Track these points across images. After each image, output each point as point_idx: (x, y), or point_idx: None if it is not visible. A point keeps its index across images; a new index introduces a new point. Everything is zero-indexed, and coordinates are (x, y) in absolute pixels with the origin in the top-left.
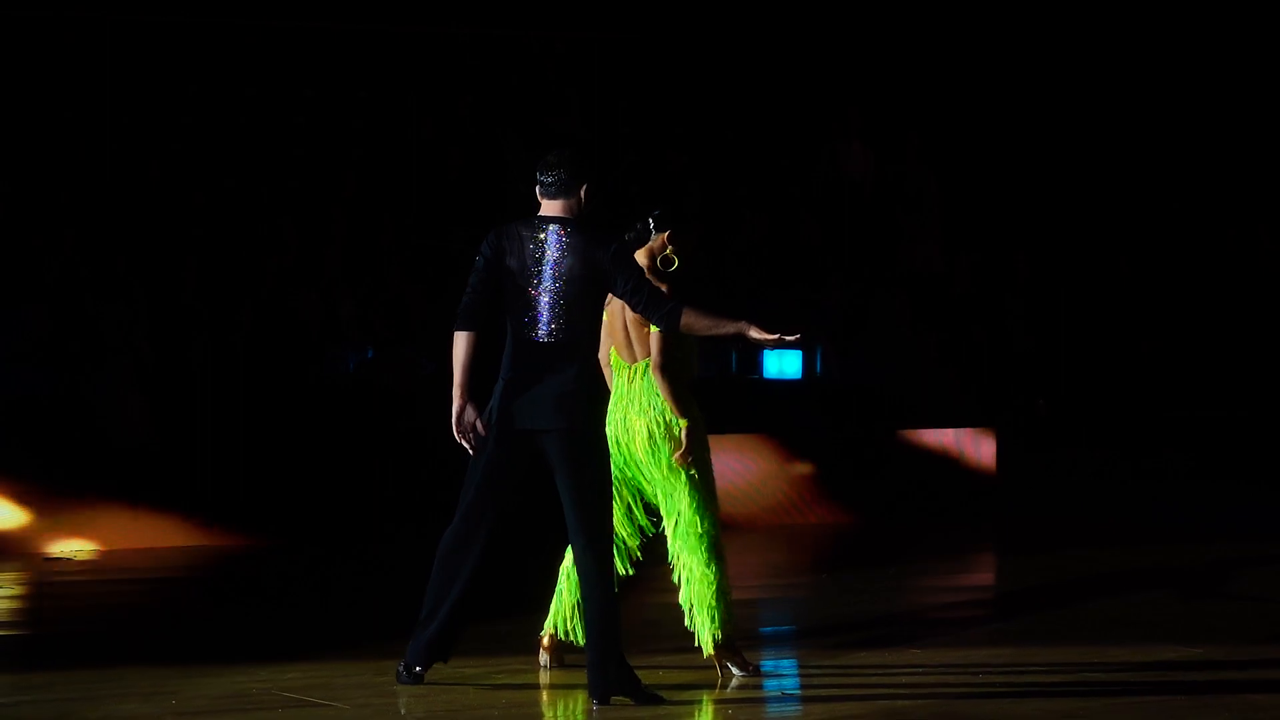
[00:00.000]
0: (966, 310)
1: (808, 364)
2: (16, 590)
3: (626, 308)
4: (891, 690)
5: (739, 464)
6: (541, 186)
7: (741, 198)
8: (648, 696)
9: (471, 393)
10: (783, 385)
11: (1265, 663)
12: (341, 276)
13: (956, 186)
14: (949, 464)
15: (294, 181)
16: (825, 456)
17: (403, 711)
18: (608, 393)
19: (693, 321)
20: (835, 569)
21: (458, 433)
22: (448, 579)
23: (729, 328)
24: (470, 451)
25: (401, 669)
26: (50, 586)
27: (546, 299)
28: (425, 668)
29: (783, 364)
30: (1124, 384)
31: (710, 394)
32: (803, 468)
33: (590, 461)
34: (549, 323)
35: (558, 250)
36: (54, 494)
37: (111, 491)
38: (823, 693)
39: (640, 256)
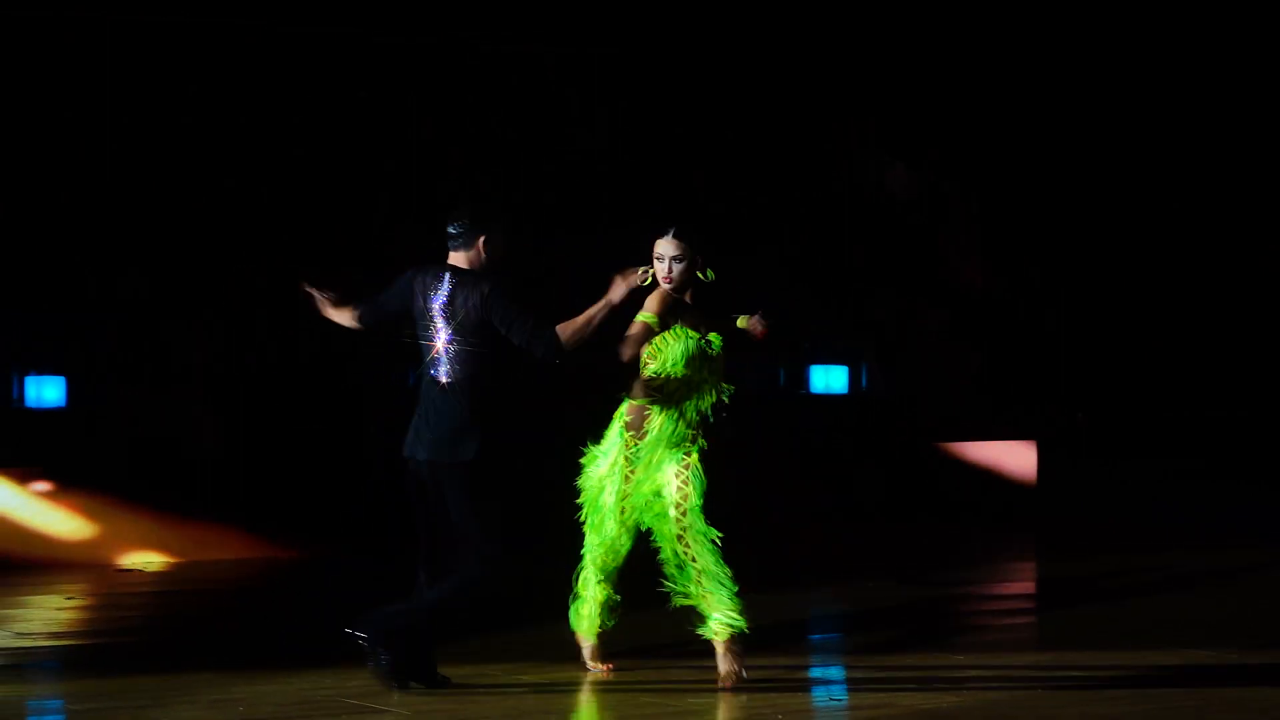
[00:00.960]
0: (1007, 325)
1: (853, 379)
2: (89, 600)
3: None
4: (936, 694)
5: (783, 476)
6: (448, 238)
7: (782, 214)
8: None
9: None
10: (829, 400)
11: None
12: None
13: (996, 204)
14: (990, 475)
15: (354, 196)
16: (870, 468)
17: (462, 717)
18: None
19: (572, 332)
20: (880, 577)
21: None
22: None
23: (600, 309)
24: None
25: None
26: (121, 597)
27: (442, 344)
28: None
29: (829, 379)
30: (1160, 393)
31: (759, 408)
32: (848, 480)
33: (464, 491)
34: (446, 365)
35: (448, 297)
36: (125, 507)
37: (181, 505)
38: (869, 697)
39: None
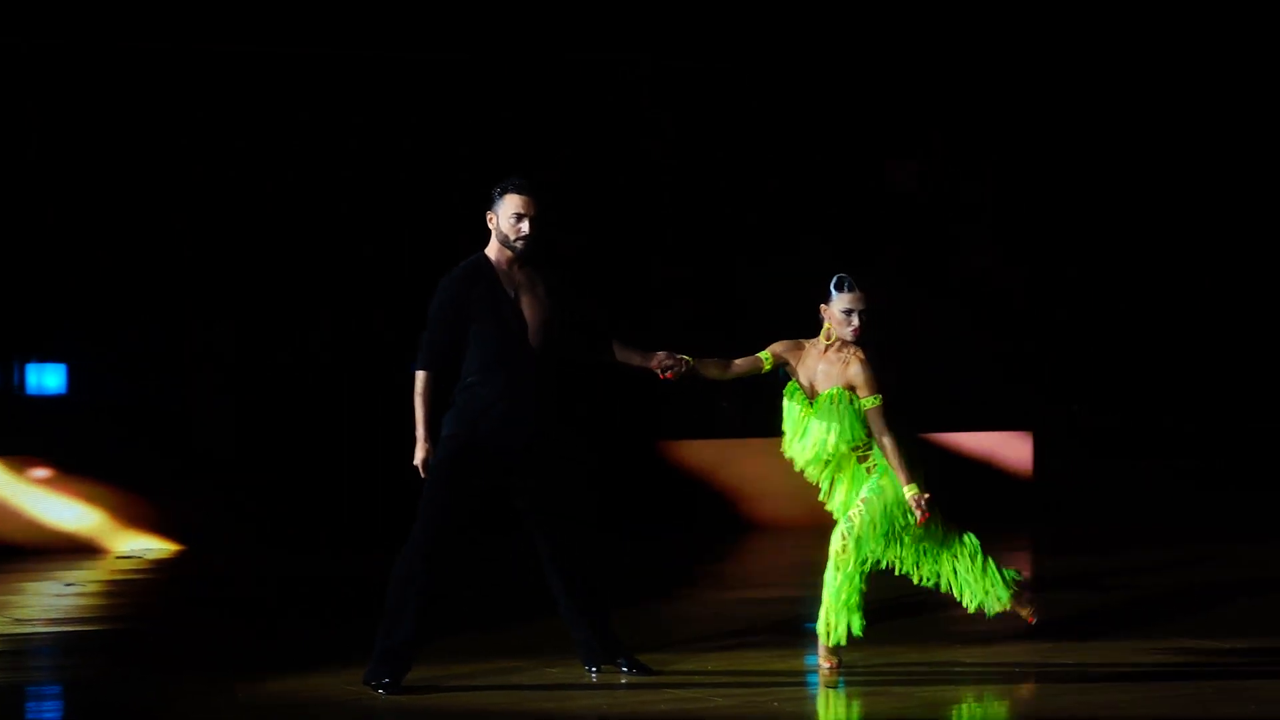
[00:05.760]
0: (1010, 316)
1: None
2: (88, 587)
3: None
4: (931, 685)
5: (781, 466)
6: None
7: (796, 210)
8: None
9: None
10: None
11: None
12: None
13: (1006, 195)
14: (986, 467)
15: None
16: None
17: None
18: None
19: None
20: (876, 568)
21: None
22: None
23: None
24: None
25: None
26: (120, 584)
27: None
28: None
29: None
30: (1160, 390)
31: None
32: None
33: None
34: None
35: None
36: (124, 494)
37: (181, 493)
38: (866, 688)
39: None
